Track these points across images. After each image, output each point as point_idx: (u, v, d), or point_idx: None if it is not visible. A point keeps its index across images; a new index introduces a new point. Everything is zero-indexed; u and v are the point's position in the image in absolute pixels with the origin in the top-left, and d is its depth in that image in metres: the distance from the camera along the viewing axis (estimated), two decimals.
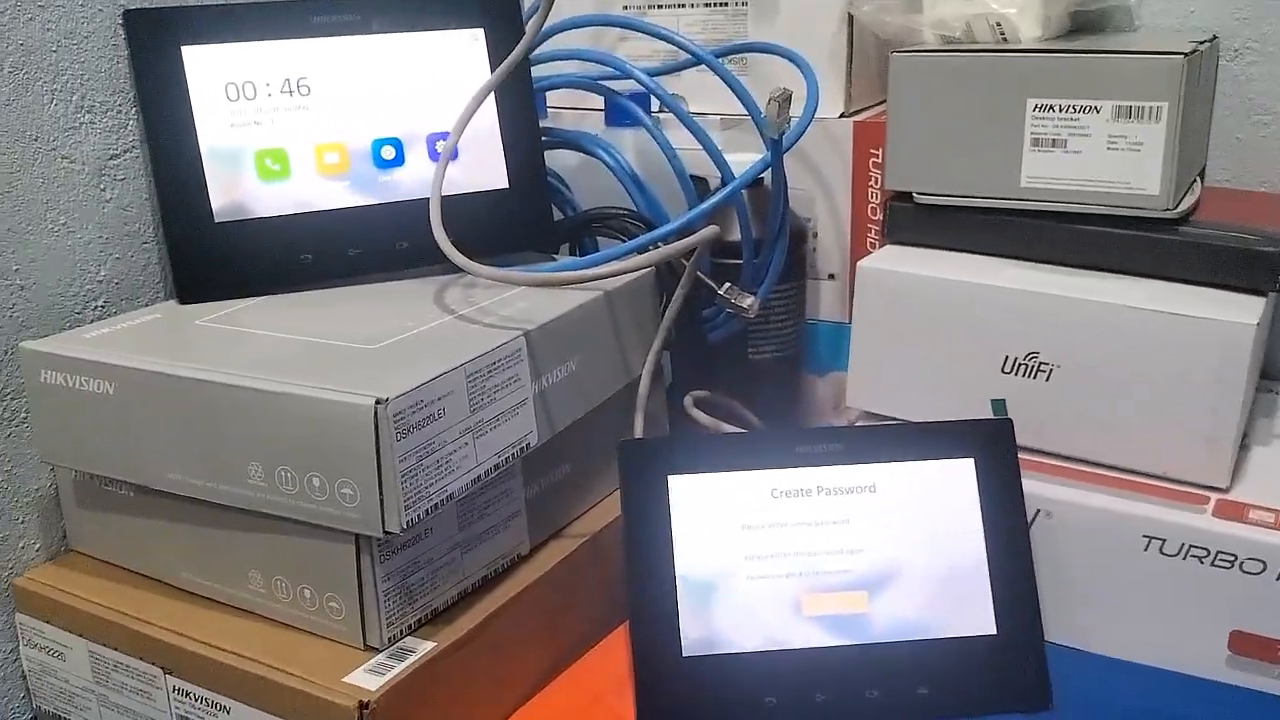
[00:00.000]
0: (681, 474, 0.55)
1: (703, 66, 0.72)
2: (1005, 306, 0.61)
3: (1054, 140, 0.62)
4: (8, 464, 0.59)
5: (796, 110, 0.67)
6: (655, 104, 0.77)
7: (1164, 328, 0.57)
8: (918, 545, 0.55)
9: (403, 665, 0.50)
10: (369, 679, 0.50)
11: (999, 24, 0.68)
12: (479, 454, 0.53)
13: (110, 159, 0.61)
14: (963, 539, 0.55)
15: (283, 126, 0.63)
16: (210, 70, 0.62)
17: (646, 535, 0.54)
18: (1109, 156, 0.61)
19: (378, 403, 0.47)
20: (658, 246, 0.62)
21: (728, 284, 0.67)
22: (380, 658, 0.51)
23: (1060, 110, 0.61)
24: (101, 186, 0.61)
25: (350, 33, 0.65)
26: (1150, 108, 0.59)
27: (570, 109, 0.84)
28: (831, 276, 0.79)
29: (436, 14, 0.66)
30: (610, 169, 0.72)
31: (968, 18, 0.69)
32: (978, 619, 0.54)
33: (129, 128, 0.62)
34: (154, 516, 0.56)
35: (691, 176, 0.73)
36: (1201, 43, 0.64)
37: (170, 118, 0.61)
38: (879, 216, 0.76)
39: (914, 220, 0.67)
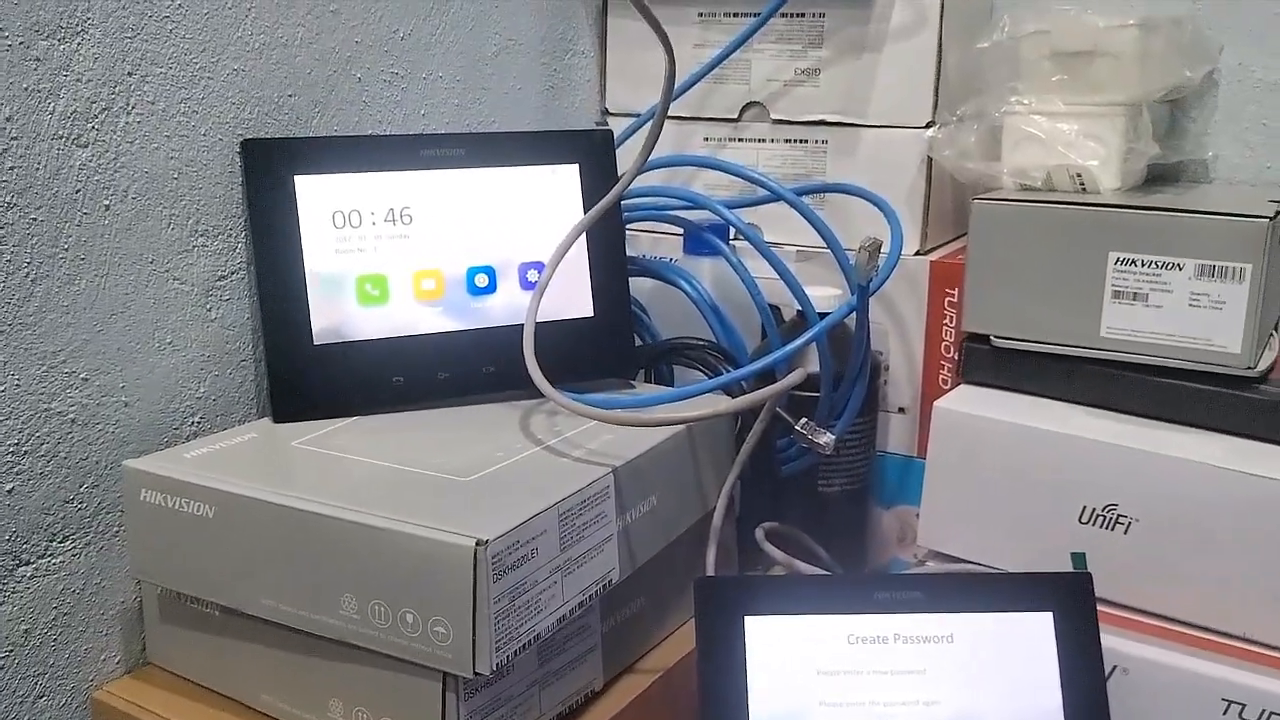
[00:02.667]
0: (758, 615, 0.55)
1: None
2: (1084, 457, 0.61)
3: (1135, 294, 0.62)
4: (98, 577, 0.60)
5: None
6: (732, 230, 0.79)
7: (1242, 487, 0.56)
8: (993, 699, 0.54)
9: None
10: None
11: (1079, 175, 0.70)
12: (565, 593, 0.54)
13: (218, 280, 0.63)
14: (1039, 694, 0.55)
15: (385, 253, 0.65)
16: (320, 198, 0.64)
17: (721, 678, 0.54)
18: (1190, 313, 0.61)
19: (478, 544, 0.48)
20: (743, 384, 0.63)
21: (804, 419, 0.68)
22: None
23: (1142, 265, 0.62)
24: (208, 306, 0.63)
25: (454, 166, 0.67)
26: (1234, 268, 0.60)
27: (648, 232, 0.86)
28: (902, 410, 0.80)
29: (536, 151, 0.69)
30: (691, 299, 0.73)
31: (1049, 168, 0.70)
32: None
33: (238, 250, 0.64)
34: (238, 637, 0.57)
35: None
36: None
37: (279, 243, 0.63)
38: (952, 354, 0.77)
39: (990, 362, 0.67)
